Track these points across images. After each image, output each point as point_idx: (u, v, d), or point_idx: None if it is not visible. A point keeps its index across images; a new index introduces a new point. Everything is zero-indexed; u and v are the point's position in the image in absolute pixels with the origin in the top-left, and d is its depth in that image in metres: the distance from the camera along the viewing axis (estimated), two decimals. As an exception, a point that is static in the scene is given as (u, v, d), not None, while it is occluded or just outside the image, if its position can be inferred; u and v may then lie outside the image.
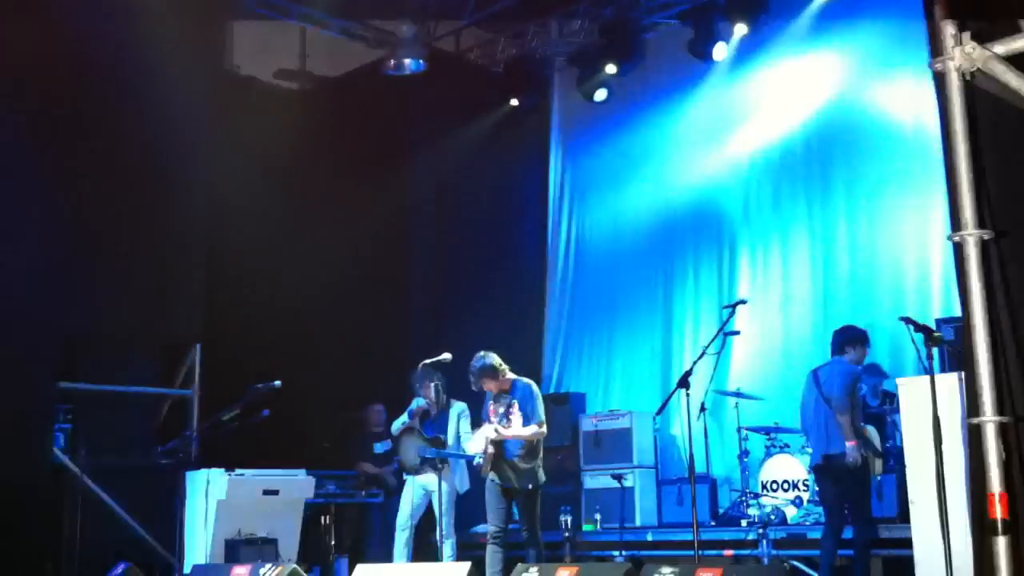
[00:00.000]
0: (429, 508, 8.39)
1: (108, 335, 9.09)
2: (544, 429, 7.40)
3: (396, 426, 8.52)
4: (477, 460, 7.46)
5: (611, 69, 11.17)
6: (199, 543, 8.24)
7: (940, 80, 3.63)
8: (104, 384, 8.93)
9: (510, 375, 7.43)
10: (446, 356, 7.59)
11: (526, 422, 7.29)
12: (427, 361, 7.52)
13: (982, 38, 3.75)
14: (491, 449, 7.24)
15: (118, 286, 9.01)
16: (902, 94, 9.72)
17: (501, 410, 7.34)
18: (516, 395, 7.36)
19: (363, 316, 10.53)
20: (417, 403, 8.40)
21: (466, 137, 12.12)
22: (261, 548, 8.40)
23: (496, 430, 7.24)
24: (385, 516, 9.79)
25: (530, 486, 7.32)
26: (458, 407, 8.35)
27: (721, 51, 10.79)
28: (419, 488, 8.35)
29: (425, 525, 8.60)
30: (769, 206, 10.87)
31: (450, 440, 8.21)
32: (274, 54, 10.54)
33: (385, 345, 10.56)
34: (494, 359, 7.34)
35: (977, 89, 3.80)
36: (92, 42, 8.65)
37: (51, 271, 8.51)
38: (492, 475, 7.33)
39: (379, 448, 9.95)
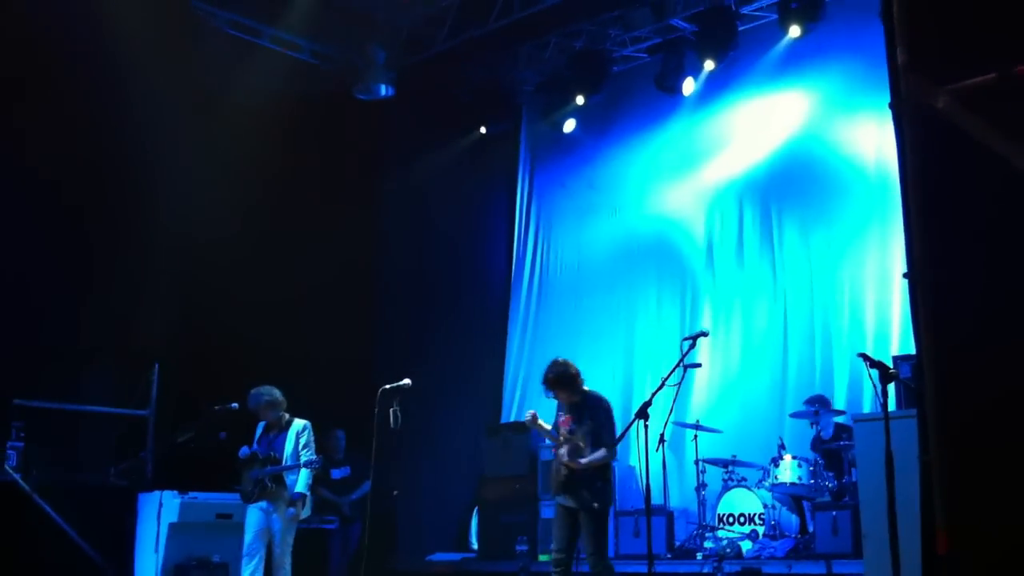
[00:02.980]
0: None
1: (65, 352, 8.98)
2: (613, 452, 6.96)
3: (242, 452, 8.17)
4: (306, 482, 7.58)
5: (579, 100, 11.27)
6: (149, 566, 8.13)
7: (898, 120, 3.67)
8: (59, 402, 8.80)
9: (584, 387, 7.10)
10: (406, 382, 7.53)
11: (595, 440, 6.88)
12: (387, 387, 7.47)
13: (942, 80, 3.81)
14: (562, 471, 6.95)
15: (77, 302, 8.91)
16: (865, 133, 9.88)
17: (568, 425, 7.02)
18: (589, 411, 7.00)
19: (325, 341, 10.46)
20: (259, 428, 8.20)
21: (434, 163, 12.13)
22: (213, 572, 8.30)
23: (567, 464, 6.89)
24: (343, 543, 9.73)
25: (595, 505, 6.83)
26: (298, 425, 8.05)
27: (689, 86, 10.91)
28: (255, 511, 7.88)
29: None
30: (733, 240, 10.96)
31: (286, 459, 7.88)
32: (245, 75, 10.52)
33: (347, 371, 10.49)
34: (573, 368, 7.02)
35: (935, 130, 3.85)
36: (62, 54, 8.60)
37: (7, 285, 8.41)
38: (561, 497, 6.97)
39: (336, 474, 9.87)
